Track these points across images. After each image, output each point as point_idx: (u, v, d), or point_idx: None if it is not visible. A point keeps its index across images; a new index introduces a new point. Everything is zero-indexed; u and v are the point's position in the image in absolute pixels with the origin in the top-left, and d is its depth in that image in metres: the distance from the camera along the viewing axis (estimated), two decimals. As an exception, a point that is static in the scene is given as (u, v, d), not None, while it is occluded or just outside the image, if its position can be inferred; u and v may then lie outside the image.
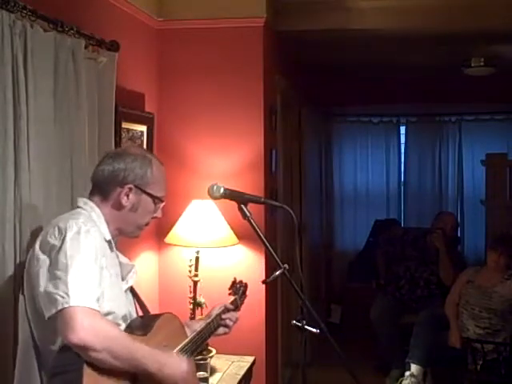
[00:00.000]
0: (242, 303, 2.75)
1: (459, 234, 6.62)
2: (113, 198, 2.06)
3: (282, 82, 4.41)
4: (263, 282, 2.37)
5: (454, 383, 4.64)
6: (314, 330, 2.05)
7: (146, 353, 1.85)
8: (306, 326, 2.06)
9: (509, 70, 5.75)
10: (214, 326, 2.47)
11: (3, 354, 2.21)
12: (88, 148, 2.74)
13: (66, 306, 1.73)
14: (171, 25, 3.87)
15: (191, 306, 3.43)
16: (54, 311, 1.75)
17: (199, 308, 3.43)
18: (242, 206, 2.05)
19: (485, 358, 4.31)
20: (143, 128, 3.58)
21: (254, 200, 2.10)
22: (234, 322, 2.56)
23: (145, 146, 3.59)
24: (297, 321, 2.08)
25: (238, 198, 2.07)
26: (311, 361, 4.93)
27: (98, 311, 1.80)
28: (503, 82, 6.18)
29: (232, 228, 3.55)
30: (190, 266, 3.48)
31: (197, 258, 3.50)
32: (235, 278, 2.84)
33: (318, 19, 4.22)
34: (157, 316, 2.15)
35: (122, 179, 2.05)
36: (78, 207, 2.06)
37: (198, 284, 3.48)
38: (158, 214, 2.17)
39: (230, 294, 2.75)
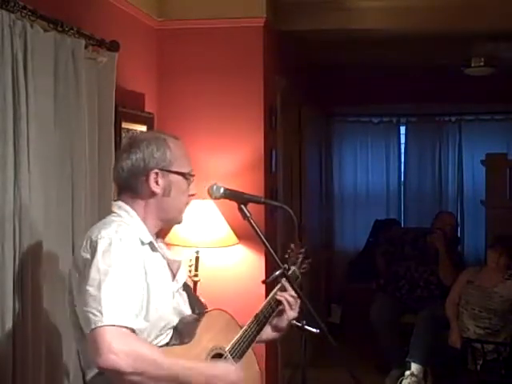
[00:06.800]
0: (302, 273, 2.40)
1: (459, 234, 6.60)
2: (142, 191, 1.93)
3: (282, 82, 4.41)
4: (263, 281, 2.35)
5: (453, 383, 4.64)
6: (314, 330, 2.04)
7: (186, 369, 1.75)
8: (306, 326, 2.06)
9: (509, 69, 5.76)
10: (270, 310, 2.19)
11: (3, 354, 2.21)
12: (88, 148, 2.74)
13: (99, 324, 1.64)
14: (171, 25, 3.87)
15: (191, 306, 3.43)
16: (88, 330, 1.67)
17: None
18: (242, 206, 2.04)
19: (485, 358, 4.31)
20: (143, 128, 3.58)
21: (254, 200, 2.09)
22: (292, 307, 2.19)
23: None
24: (297, 321, 2.07)
25: (238, 198, 2.06)
26: (311, 361, 4.91)
27: (134, 329, 1.70)
28: (503, 82, 6.18)
29: (232, 228, 3.55)
30: (190, 266, 3.48)
31: (197, 258, 3.50)
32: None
33: (318, 19, 4.23)
34: (200, 316, 1.99)
35: (144, 168, 1.92)
36: (113, 213, 1.94)
37: (198, 284, 3.48)
38: (193, 190, 2.06)
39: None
